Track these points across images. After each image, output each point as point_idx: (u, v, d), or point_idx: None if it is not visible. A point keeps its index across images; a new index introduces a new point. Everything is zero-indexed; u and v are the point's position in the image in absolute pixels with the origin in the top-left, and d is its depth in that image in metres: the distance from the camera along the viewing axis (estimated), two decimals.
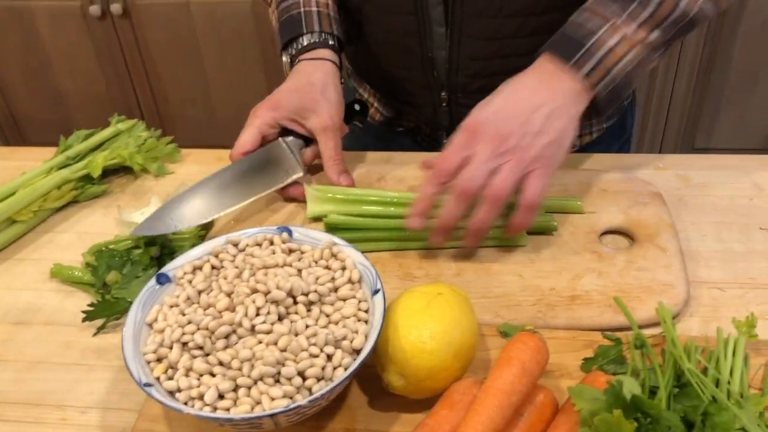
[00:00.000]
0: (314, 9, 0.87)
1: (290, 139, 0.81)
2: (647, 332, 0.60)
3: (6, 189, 0.81)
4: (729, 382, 0.52)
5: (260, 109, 0.81)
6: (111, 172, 0.90)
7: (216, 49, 1.98)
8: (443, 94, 0.91)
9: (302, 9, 0.87)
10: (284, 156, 0.80)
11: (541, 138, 0.67)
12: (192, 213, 0.74)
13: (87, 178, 0.86)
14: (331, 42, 0.85)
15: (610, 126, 0.98)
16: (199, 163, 0.92)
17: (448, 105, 0.92)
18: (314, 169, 0.84)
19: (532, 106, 0.68)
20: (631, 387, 0.47)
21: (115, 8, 1.91)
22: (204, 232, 0.78)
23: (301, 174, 0.80)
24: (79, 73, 2.07)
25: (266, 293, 0.57)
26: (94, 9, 1.91)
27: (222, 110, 2.12)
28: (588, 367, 0.58)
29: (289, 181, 0.79)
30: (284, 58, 0.87)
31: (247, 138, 0.79)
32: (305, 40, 0.84)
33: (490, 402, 0.49)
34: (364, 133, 0.96)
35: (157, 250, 0.73)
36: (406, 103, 0.97)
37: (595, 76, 0.69)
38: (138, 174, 0.90)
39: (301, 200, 0.80)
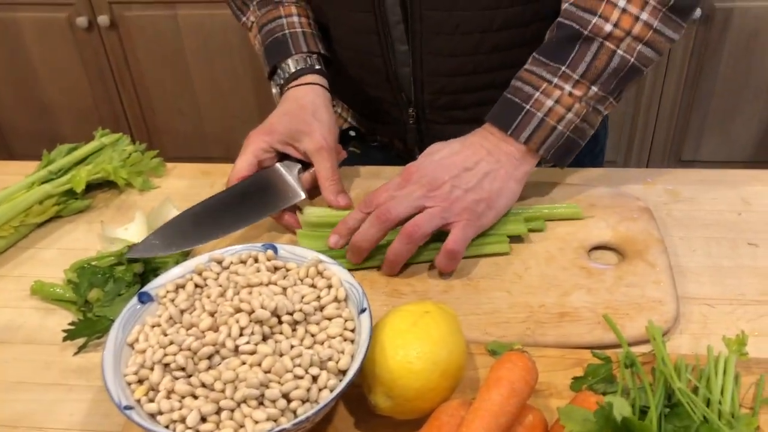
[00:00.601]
0: (299, 30, 0.86)
1: (287, 163, 0.80)
2: (637, 350, 0.59)
3: None
4: (720, 402, 0.51)
5: (254, 135, 0.80)
6: (95, 186, 0.88)
7: (204, 60, 1.98)
8: (411, 110, 0.91)
9: (287, 31, 0.86)
10: (282, 180, 0.79)
11: (471, 194, 0.70)
12: (190, 236, 0.72)
13: (70, 193, 0.85)
14: (317, 66, 0.85)
15: None
16: (185, 177, 0.91)
17: (417, 122, 0.92)
18: (312, 193, 0.83)
19: (470, 164, 0.72)
20: (621, 408, 0.47)
21: (102, 20, 1.90)
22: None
23: (302, 197, 0.78)
24: (66, 85, 2.05)
25: (250, 313, 0.55)
26: (81, 20, 1.90)
27: (210, 122, 2.11)
28: (578, 386, 0.57)
29: (290, 203, 0.78)
30: (273, 90, 0.87)
31: (243, 164, 0.78)
32: (292, 66, 0.84)
33: (478, 424, 0.49)
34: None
35: (140, 267, 0.72)
36: (378, 120, 0.97)
37: (536, 139, 0.72)
38: (122, 189, 0.89)
39: (294, 232, 0.78)
